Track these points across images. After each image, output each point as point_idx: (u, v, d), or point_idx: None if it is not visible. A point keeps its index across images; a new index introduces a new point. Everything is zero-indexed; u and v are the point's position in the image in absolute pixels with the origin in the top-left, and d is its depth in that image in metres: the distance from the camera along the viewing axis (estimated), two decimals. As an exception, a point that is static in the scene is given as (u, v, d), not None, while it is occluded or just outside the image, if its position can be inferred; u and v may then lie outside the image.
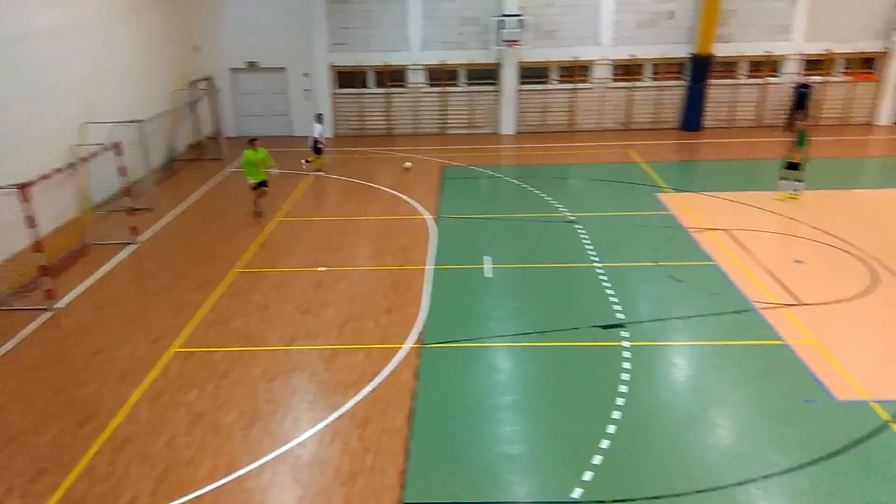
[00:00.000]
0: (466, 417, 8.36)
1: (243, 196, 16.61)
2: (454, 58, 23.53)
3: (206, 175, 19.71)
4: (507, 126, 24.02)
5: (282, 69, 24.04)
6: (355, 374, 9.31)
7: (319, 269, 12.91)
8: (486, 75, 23.85)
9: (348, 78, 24.07)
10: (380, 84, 24.09)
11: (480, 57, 23.44)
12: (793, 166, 16.06)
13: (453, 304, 11.37)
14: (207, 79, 23.36)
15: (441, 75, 23.86)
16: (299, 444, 7.94)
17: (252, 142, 15.83)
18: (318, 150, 19.60)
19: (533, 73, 23.74)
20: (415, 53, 23.51)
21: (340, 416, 8.41)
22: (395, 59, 23.57)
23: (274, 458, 7.70)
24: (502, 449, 7.80)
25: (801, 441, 7.76)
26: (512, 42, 22.30)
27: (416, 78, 23.89)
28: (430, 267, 12.84)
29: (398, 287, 12.04)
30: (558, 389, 8.93)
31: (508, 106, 23.80)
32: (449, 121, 24.22)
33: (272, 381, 9.25)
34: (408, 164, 19.88)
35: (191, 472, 7.50)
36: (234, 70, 24.08)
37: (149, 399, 8.90)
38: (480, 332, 10.42)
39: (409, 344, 10.06)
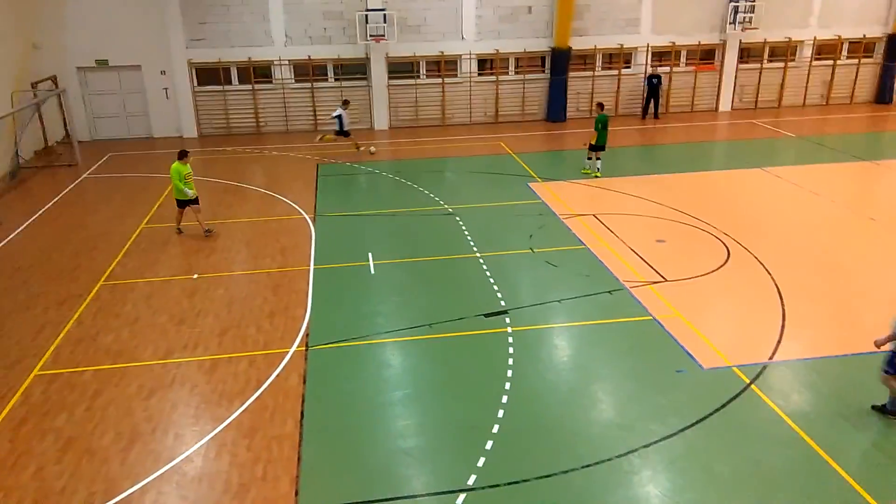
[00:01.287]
0: (358, 416, 8.28)
1: (104, 204, 15.48)
2: (321, 53, 23.12)
3: (58, 183, 18.20)
4: (381, 121, 23.96)
5: (136, 67, 22.60)
6: (239, 384, 8.95)
7: (193, 276, 12.30)
8: (355, 70, 23.64)
9: (210, 75, 23.03)
10: (244, 81, 23.26)
11: (348, 52, 23.19)
12: (595, 148, 17.60)
13: (338, 303, 11.21)
14: (51, 79, 21.54)
15: (308, 71, 23.38)
16: (184, 460, 7.54)
17: (183, 155, 13.97)
18: (345, 134, 20.22)
19: (402, 68, 23.81)
20: (279, 48, 22.88)
21: (226, 428, 8.06)
22: (258, 54, 22.83)
23: (157, 478, 7.26)
24: (396, 444, 7.80)
25: (675, 409, 8.32)
26: (377, 37, 22.23)
27: (283, 74, 23.27)
28: (311, 267, 12.57)
29: (279, 290, 11.70)
30: (448, 380, 9.04)
31: (380, 101, 23.73)
32: (320, 117, 23.81)
33: (149, 397, 8.71)
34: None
35: (64, 502, 6.92)
36: (83, 69, 22.35)
37: (9, 429, 8.12)
38: (368, 329, 10.34)
39: (294, 347, 9.81)
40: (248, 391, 8.77)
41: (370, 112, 23.94)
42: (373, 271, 12.40)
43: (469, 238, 13.80)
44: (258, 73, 23.21)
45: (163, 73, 22.68)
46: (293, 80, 23.44)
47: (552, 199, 16.08)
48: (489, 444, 7.69)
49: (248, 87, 23.27)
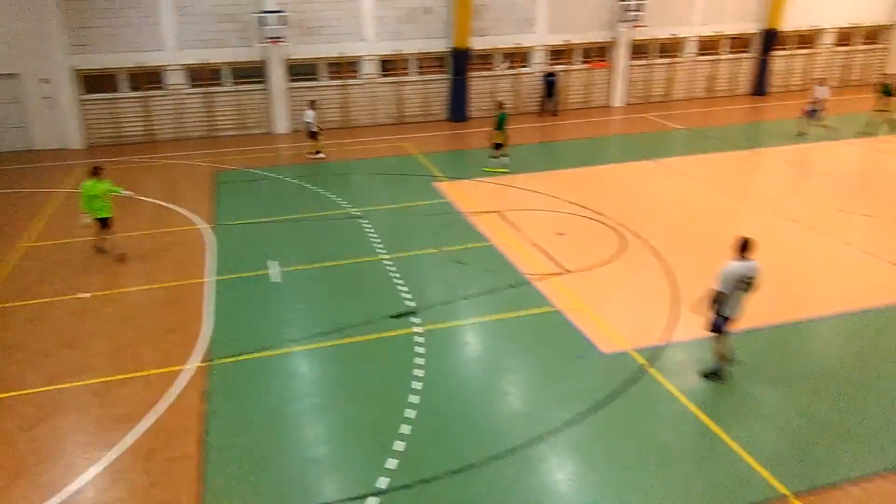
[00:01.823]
0: (265, 430, 8.07)
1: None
2: (215, 56, 22.43)
3: (-75, 203, 16.83)
4: (281, 125, 23.48)
5: (13, 76, 21.19)
6: (134, 406, 8.54)
7: (80, 295, 11.64)
8: (252, 74, 23.06)
9: (97, 82, 21.91)
10: (135, 87, 22.24)
11: (244, 55, 22.60)
12: (497, 146, 18.00)
13: (240, 315, 10.89)
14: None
15: (203, 75, 22.63)
16: (76, 492, 7.12)
17: (96, 171, 12.74)
18: (313, 135, 19.98)
19: (302, 70, 23.42)
20: (171, 53, 22.02)
21: (121, 454, 7.67)
22: (149, 59, 21.88)
23: (46, 513, 6.84)
24: (305, 454, 7.66)
25: (578, 395, 8.57)
26: (275, 39, 21.78)
27: (176, 79, 22.41)
28: (210, 279, 12.16)
29: (176, 305, 11.25)
30: (357, 385, 8.96)
31: (280, 105, 23.25)
32: (218, 123, 23.09)
33: (34, 427, 8.18)
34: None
35: (-61, 550, 6.41)
36: (-50, 78, 20.78)
37: None
38: (272, 339, 10.10)
39: (193, 364, 9.46)
40: (143, 413, 8.38)
41: (269, 116, 23.43)
42: (277, 279, 12.13)
43: (376, 240, 13.73)
44: (149, 78, 22.25)
45: (43, 81, 21.37)
46: (187, 86, 22.62)
47: (457, 197, 16.23)
48: (400, 446, 7.68)
49: (139, 93, 22.27)
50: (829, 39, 28.76)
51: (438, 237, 13.83)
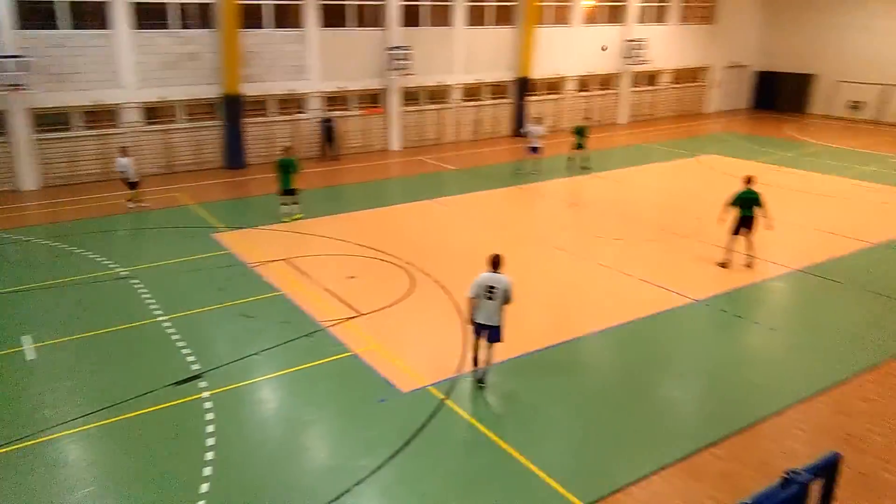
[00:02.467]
0: (28, 532, 6.96)
1: None
2: (-61, 107, 19.45)
3: None
4: (27, 181, 20.89)
5: None
6: None
7: None
8: (-12, 125, 20.34)
9: None
10: None
11: (-24, 104, 19.89)
12: (289, 192, 17.72)
13: (-12, 401, 9.36)
14: None
15: (-77, 128, 19.48)
16: None
17: None
18: (132, 185, 18.92)
19: (52, 120, 21.14)
20: None
21: None
22: None
23: None
24: (82, 553, 6.72)
25: (381, 439, 8.53)
26: (16, 87, 19.46)
27: None
28: (-54, 364, 10.33)
29: None
30: (139, 465, 8.09)
31: (25, 158, 20.72)
32: (-55, 182, 19.95)
33: None
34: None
35: None
36: None
37: None
38: (30, 427, 8.79)
39: (-71, 467, 7.91)
40: None
41: (13, 170, 20.76)
42: (32, 356, 10.64)
43: (151, 301, 12.65)
44: None
45: None
46: None
47: (240, 248, 15.58)
48: (195, 524, 7.05)
49: None
50: (571, 86, 32.41)
51: (222, 292, 13.12)
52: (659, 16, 34.54)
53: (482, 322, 9.47)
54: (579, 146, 23.79)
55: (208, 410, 9.13)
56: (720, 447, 8.42)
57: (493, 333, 9.51)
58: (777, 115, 36.55)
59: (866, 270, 14.35)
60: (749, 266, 14.37)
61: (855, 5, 34.21)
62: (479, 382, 9.77)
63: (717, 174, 23.43)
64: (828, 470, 2.75)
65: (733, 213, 14.28)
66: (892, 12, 32.95)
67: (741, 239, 14.32)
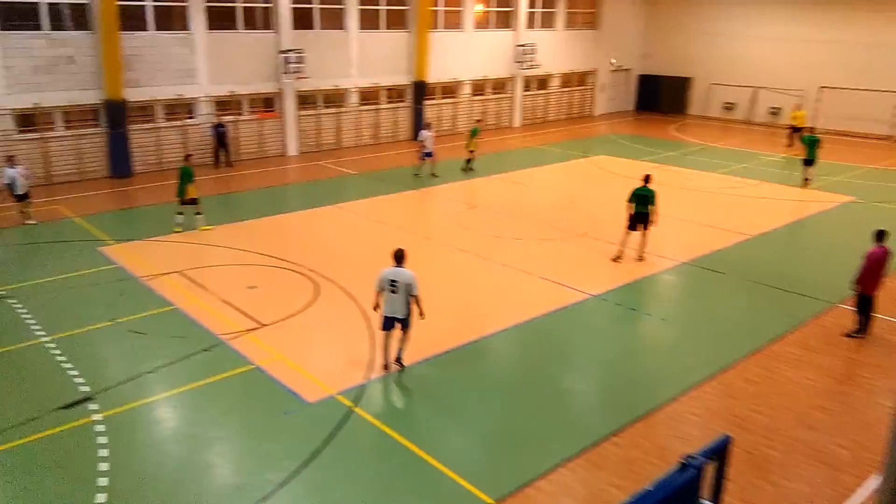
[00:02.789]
0: None
1: None
2: None
3: None
4: None
5: None
6: None
7: None
8: None
9: None
10: None
11: None
12: (189, 202, 17.04)
13: None
14: None
15: None
16: None
17: None
18: (19, 197, 17.52)
19: None
20: None
21: None
22: None
23: None
24: None
25: (289, 452, 8.34)
26: None
27: None
28: None
29: None
30: (24, 498, 7.52)
31: None
32: None
33: None
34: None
35: None
36: None
37: None
38: None
39: None
40: None
41: None
42: None
43: (32, 322, 11.80)
44: None
45: None
46: None
47: (130, 261, 14.80)
48: (90, 556, 6.63)
49: None
50: (466, 90, 32.92)
51: (112, 308, 12.42)
52: (547, 21, 35.69)
53: (388, 315, 10.01)
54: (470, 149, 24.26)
55: (100, 434, 8.62)
56: (620, 436, 8.80)
57: (403, 324, 10.06)
58: (660, 117, 38.61)
59: (745, 261, 15.41)
60: (640, 259, 15.10)
61: (727, 14, 36.65)
62: (397, 362, 10.23)
63: (606, 174, 24.48)
64: (720, 452, 2.96)
65: (629, 210, 14.98)
66: (759, 20, 35.55)
67: (635, 234, 15.03)
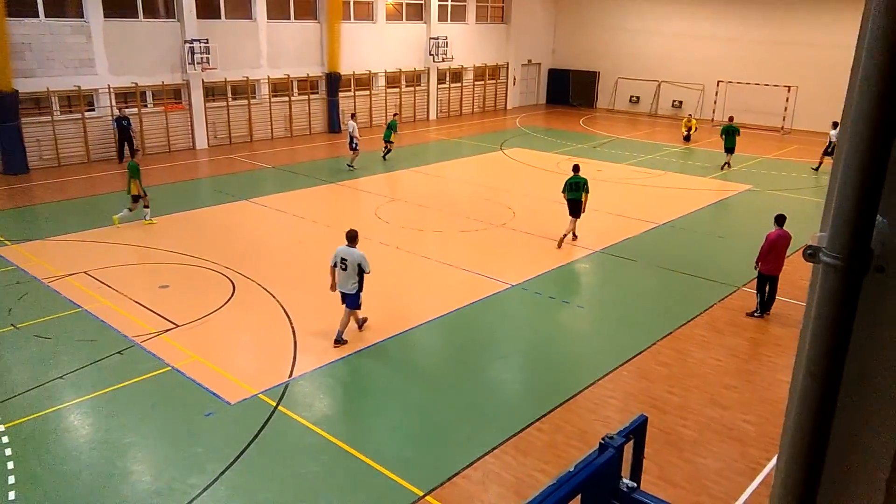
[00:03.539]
0: None
1: None
2: None
3: None
4: None
5: None
6: None
7: None
8: None
9: None
10: None
11: None
12: (135, 198, 16.40)
13: None
14: None
15: None
16: None
17: None
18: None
19: None
20: None
21: None
22: None
23: None
24: None
25: (211, 455, 8.11)
26: None
27: None
28: None
29: None
30: (-79, 519, 6.99)
31: None
32: None
33: None
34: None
35: None
36: None
37: None
38: None
39: None
40: None
41: None
42: None
43: (-82, 330, 10.93)
44: None
45: None
46: None
47: (30, 262, 13.92)
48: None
49: None
50: (381, 82, 32.72)
51: (12, 312, 11.67)
52: (458, 15, 35.92)
53: (340, 290, 10.75)
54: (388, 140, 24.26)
55: (6, 445, 8.10)
56: (544, 421, 9.04)
57: (349, 300, 10.71)
58: (569, 110, 39.67)
59: (654, 248, 16.11)
60: (573, 240, 16.06)
61: (633, 9, 38.02)
62: (337, 342, 10.83)
63: (521, 166, 24.96)
64: (637, 432, 3.11)
65: (565, 198, 15.82)
66: (662, 16, 37.06)
67: (570, 219, 15.82)
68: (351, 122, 23.32)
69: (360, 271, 10.54)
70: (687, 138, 30.04)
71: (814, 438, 1.50)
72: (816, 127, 31.53)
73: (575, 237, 16.13)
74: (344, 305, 10.77)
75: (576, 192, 15.63)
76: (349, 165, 23.23)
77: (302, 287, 13.10)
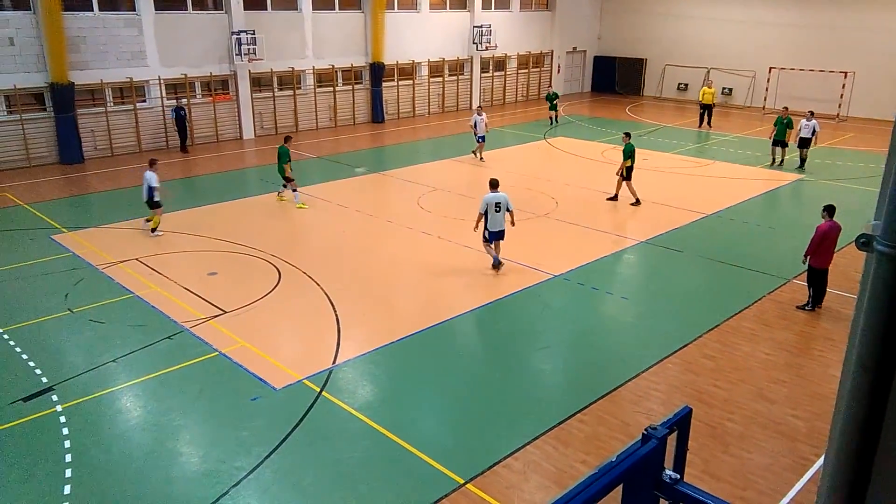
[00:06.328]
0: None
1: None
2: None
3: None
4: None
5: None
6: None
7: None
8: None
9: None
10: None
11: None
12: (287, 180, 17.76)
13: None
14: None
15: None
16: None
17: None
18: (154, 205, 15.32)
19: None
20: None
21: None
22: None
23: None
24: None
25: (257, 438, 8.29)
26: None
27: None
28: None
29: None
30: (-14, 492, 7.34)
31: None
32: None
33: None
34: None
35: None
36: None
37: None
38: None
39: None
40: None
41: None
42: None
43: (-18, 313, 11.43)
44: None
45: None
46: None
47: (85, 249, 14.41)
48: (58, 550, 6.51)
49: None
50: (424, 72, 32.72)
51: (69, 297, 12.11)
52: (502, 3, 35.63)
53: (494, 230, 13.11)
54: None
55: (63, 425, 8.44)
56: (586, 413, 8.98)
57: (503, 234, 13.26)
58: (615, 98, 39.05)
59: (701, 239, 15.80)
60: (637, 203, 17.97)
61: (678, -4, 37.21)
62: (495, 266, 13.43)
63: (565, 156, 24.70)
64: (681, 423, 3.06)
65: (626, 164, 17.80)
66: (711, 1, 36.14)
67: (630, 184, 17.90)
68: (476, 116, 23.27)
69: (508, 209, 13.05)
70: (706, 107, 29.09)
71: (865, 431, 1.46)
72: (874, 114, 30.41)
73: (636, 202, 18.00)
74: (495, 242, 13.28)
75: (634, 159, 18.03)
76: (478, 155, 23.41)
77: (345, 275, 13.26)
